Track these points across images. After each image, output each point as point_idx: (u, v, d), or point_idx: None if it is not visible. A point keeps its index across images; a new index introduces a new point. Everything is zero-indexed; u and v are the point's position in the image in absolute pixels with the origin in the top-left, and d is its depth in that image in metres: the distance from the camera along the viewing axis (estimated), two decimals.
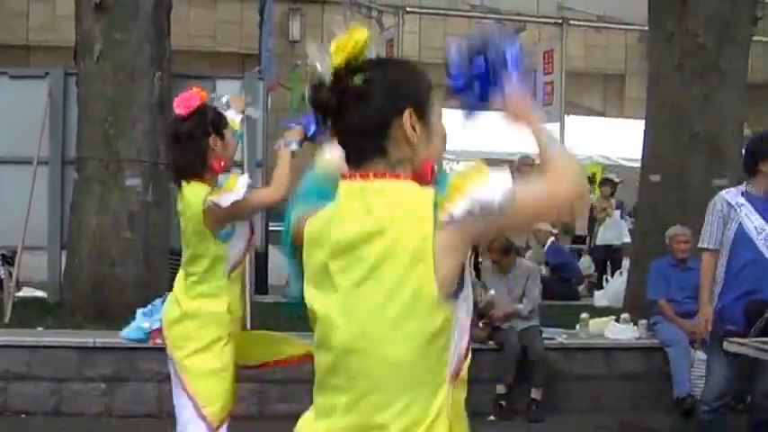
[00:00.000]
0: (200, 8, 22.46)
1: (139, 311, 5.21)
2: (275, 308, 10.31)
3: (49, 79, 10.55)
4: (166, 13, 10.45)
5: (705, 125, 10.54)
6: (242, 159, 9.96)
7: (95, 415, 8.42)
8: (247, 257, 5.17)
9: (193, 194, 4.67)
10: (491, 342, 8.99)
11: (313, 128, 4.76)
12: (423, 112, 2.44)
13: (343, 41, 2.41)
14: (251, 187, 4.74)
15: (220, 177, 4.80)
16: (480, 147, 18.64)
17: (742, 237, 6.83)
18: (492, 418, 8.69)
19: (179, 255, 10.36)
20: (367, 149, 2.42)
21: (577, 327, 9.65)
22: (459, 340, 2.44)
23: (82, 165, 10.00)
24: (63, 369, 8.51)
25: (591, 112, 21.61)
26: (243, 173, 4.87)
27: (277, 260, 14.12)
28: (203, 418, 4.64)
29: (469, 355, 2.52)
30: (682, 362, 9.01)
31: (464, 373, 2.52)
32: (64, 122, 10.49)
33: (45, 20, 21.58)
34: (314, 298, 2.46)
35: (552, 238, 13.47)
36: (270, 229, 12.19)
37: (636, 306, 10.23)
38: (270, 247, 12.37)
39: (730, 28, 10.55)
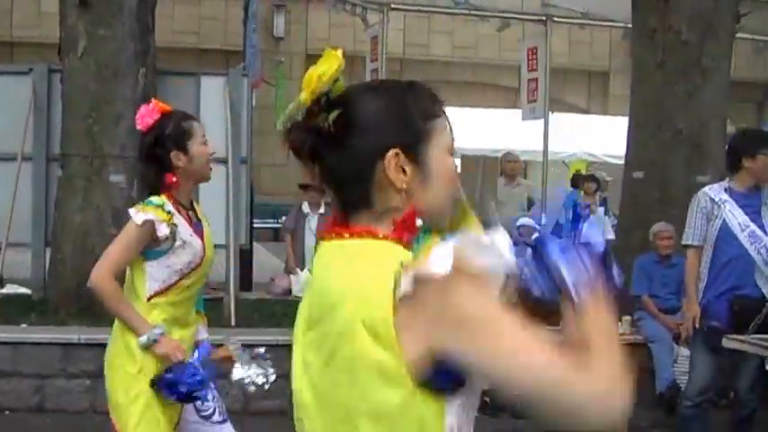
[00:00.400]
0: (185, 5, 22.42)
1: None
2: (259, 305, 10.33)
3: (33, 75, 10.52)
4: (151, 9, 10.42)
5: (688, 122, 10.58)
6: (226, 156, 9.97)
7: (79, 411, 8.42)
8: (193, 288, 4.63)
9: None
10: None
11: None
12: (415, 149, 2.01)
13: (309, 75, 2.01)
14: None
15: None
16: (465, 143, 18.70)
17: (726, 233, 6.89)
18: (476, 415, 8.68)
19: None
20: (350, 199, 2.03)
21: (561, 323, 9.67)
22: None
23: (66, 161, 9.98)
24: (47, 365, 8.51)
25: (575, 109, 21.69)
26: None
27: (261, 257, 14.15)
28: None
29: None
30: (665, 358, 9.05)
31: None
32: (48, 119, 10.45)
33: (29, 16, 21.54)
34: (295, 375, 2.11)
35: (536, 234, 13.47)
36: (254, 226, 12.21)
37: (619, 302, 10.25)
38: (254, 243, 12.38)
39: (713, 25, 10.59)
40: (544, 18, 14.86)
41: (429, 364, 1.83)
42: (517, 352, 1.80)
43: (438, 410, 1.88)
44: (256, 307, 10.19)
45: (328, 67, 2.01)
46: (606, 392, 1.83)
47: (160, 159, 4.43)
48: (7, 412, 8.32)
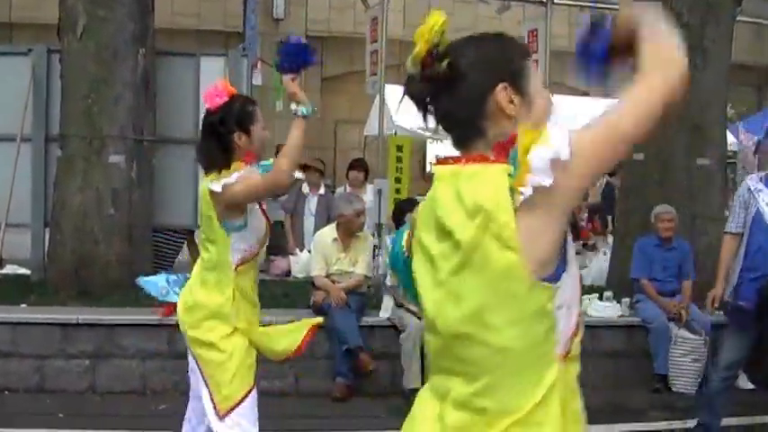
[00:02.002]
0: None
1: (165, 275, 5.25)
2: (259, 287, 10.31)
3: (33, 56, 10.50)
4: None
5: (688, 105, 10.55)
6: None
7: (79, 392, 8.45)
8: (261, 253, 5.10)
9: (209, 178, 4.71)
10: None
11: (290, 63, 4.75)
12: (518, 83, 2.38)
13: (421, 29, 2.37)
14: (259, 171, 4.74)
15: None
16: None
17: (759, 221, 7.03)
18: None
19: (161, 232, 10.32)
20: (466, 132, 2.41)
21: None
22: (567, 319, 2.35)
23: (65, 142, 9.97)
24: (46, 346, 8.53)
25: (575, 91, 21.53)
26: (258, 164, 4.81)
27: None
28: (214, 405, 4.72)
29: (580, 332, 2.43)
30: (662, 340, 9.07)
31: (575, 350, 2.42)
32: (47, 100, 10.43)
33: None
34: (422, 281, 2.47)
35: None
36: None
37: (619, 284, 10.27)
38: None
39: (714, 8, 10.58)
40: (544, 0, 14.80)
41: (556, 254, 2.28)
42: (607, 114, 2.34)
43: (551, 294, 2.29)
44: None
45: (436, 21, 2.37)
46: (669, 73, 2.36)
47: (221, 138, 4.71)
48: (7, 392, 8.34)
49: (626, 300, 9.61)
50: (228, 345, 4.73)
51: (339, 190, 13.15)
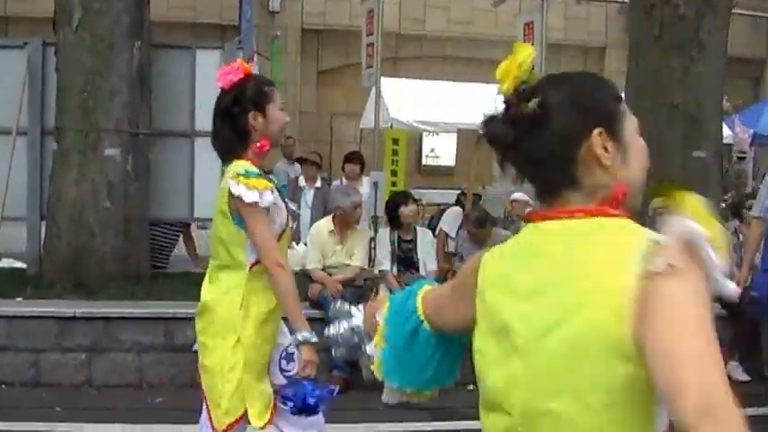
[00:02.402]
0: None
1: None
2: None
3: (28, 49, 10.47)
4: None
5: (684, 97, 10.56)
6: None
7: (75, 385, 8.44)
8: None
9: (230, 168, 4.41)
10: None
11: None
12: (613, 129, 2.11)
13: (508, 65, 2.17)
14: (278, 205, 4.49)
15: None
16: (461, 118, 18.69)
17: None
18: (471, 387, 8.72)
19: (158, 225, 10.24)
20: (554, 180, 2.13)
21: None
22: (664, 416, 1.97)
23: (61, 135, 9.95)
24: (42, 339, 8.51)
25: None
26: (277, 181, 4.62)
27: None
28: (210, 420, 4.45)
29: None
30: None
31: None
32: (43, 93, 10.41)
33: None
34: (486, 348, 2.18)
35: (529, 209, 13.48)
36: None
37: None
38: None
39: (711, 0, 10.56)
40: None
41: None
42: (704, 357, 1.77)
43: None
44: None
45: (525, 57, 2.16)
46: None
47: (236, 119, 4.46)
48: (3, 386, 8.32)
49: None
50: (233, 356, 4.39)
51: (335, 183, 13.14)
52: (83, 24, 9.85)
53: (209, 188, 6.49)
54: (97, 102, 9.82)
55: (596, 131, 2.08)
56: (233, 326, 4.40)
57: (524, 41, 14.75)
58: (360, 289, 9.13)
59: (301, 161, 12.43)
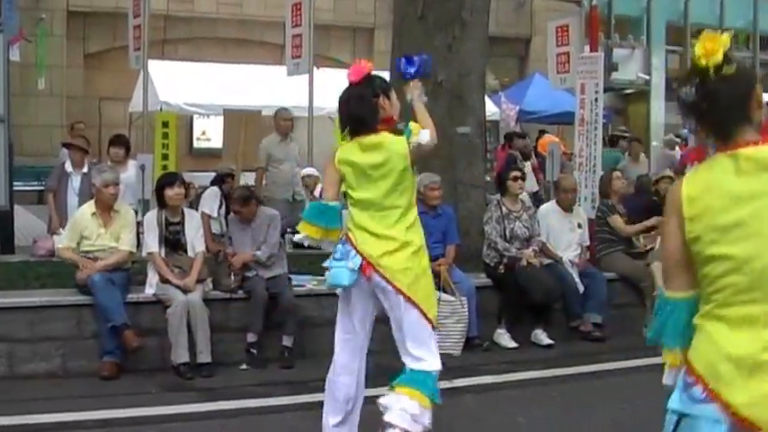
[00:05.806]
0: None
1: (332, 260, 6.00)
2: (22, 267, 10.04)
3: None
4: None
5: (448, 74, 10.86)
6: None
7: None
8: None
9: (391, 141, 5.79)
10: (240, 291, 9.05)
11: (412, 70, 6.10)
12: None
13: (713, 45, 3.04)
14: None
15: None
16: (229, 100, 18.64)
17: None
18: (244, 366, 8.75)
19: None
20: (739, 120, 3.06)
21: (326, 274, 9.86)
22: None
23: None
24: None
25: (340, 64, 21.79)
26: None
27: (25, 219, 13.71)
28: (429, 321, 5.91)
29: None
30: None
31: None
32: None
33: None
34: (727, 245, 2.96)
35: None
36: (16, 188, 11.84)
37: None
38: (17, 206, 12.02)
39: None
40: None
41: None
42: None
43: None
44: (20, 269, 9.89)
45: (727, 38, 3.05)
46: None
47: (369, 102, 5.80)
48: None
49: None
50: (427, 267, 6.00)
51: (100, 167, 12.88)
52: None
53: None
54: None
55: (758, 87, 3.11)
56: (424, 254, 6.03)
57: (292, 22, 14.85)
58: (128, 273, 9.00)
59: (68, 146, 12.11)
